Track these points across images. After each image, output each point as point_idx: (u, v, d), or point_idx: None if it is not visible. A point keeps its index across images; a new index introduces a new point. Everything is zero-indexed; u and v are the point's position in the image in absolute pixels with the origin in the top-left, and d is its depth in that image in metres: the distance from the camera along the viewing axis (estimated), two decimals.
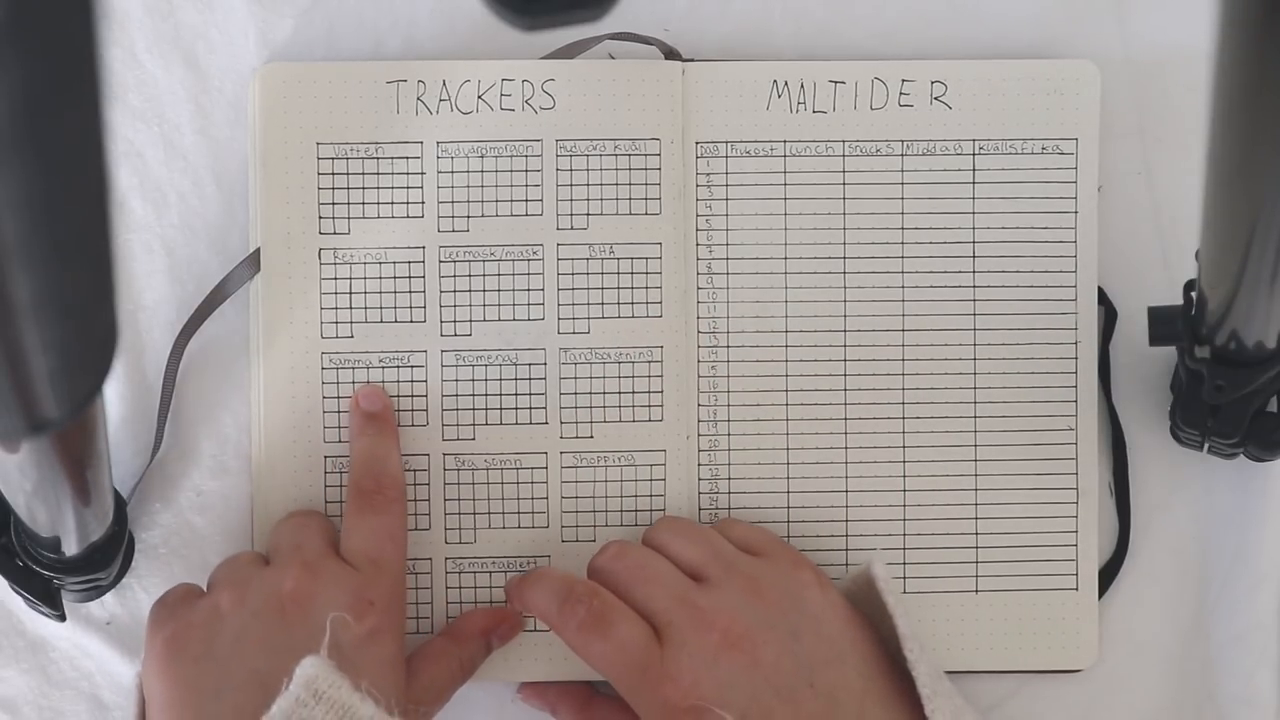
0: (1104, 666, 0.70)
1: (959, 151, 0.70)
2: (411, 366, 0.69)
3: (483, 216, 0.69)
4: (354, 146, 0.69)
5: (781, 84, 0.70)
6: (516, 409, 0.69)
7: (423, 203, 0.69)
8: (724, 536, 0.66)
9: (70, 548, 0.63)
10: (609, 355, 0.69)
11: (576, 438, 0.69)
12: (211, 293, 0.69)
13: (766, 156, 0.70)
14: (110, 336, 0.43)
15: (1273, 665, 0.70)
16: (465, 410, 0.69)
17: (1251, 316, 0.59)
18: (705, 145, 0.70)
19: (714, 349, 0.70)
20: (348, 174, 0.69)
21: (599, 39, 0.69)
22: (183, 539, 0.69)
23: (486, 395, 0.69)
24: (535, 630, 0.69)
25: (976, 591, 0.70)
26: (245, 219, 0.69)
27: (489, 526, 0.69)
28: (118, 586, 0.68)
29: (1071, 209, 0.70)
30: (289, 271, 0.69)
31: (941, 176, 0.70)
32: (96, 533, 0.63)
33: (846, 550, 0.70)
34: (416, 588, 0.69)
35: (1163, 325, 0.66)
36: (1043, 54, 0.71)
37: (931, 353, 0.70)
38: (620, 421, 0.69)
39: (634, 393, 0.69)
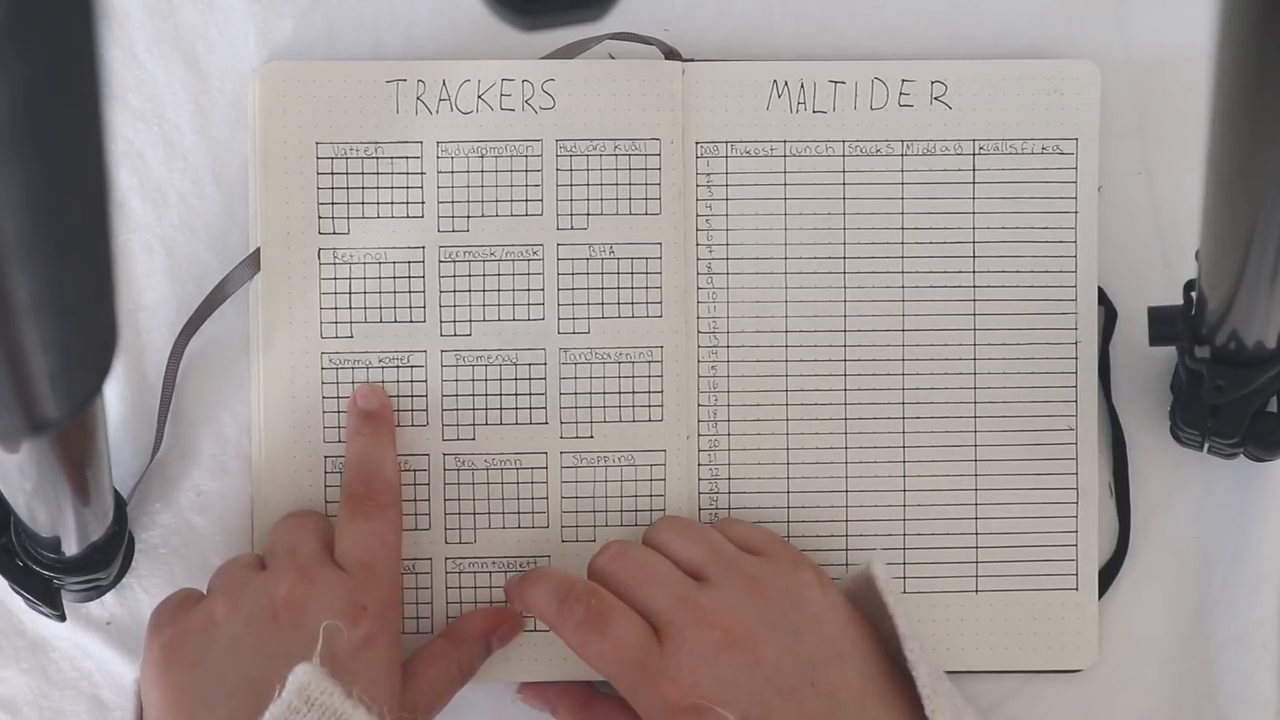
0: (1104, 666, 0.70)
1: (959, 151, 0.70)
2: (411, 366, 0.69)
3: (483, 216, 0.69)
4: (354, 146, 0.69)
5: (781, 84, 0.70)
6: (516, 409, 0.69)
7: (423, 203, 0.69)
8: (724, 536, 0.66)
9: (70, 548, 0.63)
10: (609, 355, 0.69)
11: (576, 438, 0.69)
12: (211, 293, 0.69)
13: (766, 156, 0.70)
14: (110, 336, 0.43)
15: (1273, 665, 0.70)
16: (465, 410, 0.69)
17: (1251, 316, 0.59)
18: (705, 145, 0.70)
19: (714, 349, 0.70)
20: (347, 174, 0.69)
21: (599, 39, 0.69)
22: (183, 539, 0.69)
23: (486, 395, 0.69)
24: (535, 630, 0.69)
25: (976, 591, 0.70)
26: (245, 219, 0.69)
27: (489, 526, 0.69)
28: (118, 586, 0.68)
29: (1071, 209, 0.70)
30: (289, 271, 0.69)
31: (941, 176, 0.70)
32: (96, 533, 0.63)
33: (846, 550, 0.70)
34: (416, 588, 0.69)
35: (1163, 325, 0.66)
36: (1043, 54, 0.71)
37: (931, 353, 0.70)
38: (620, 421, 0.69)
39: (634, 393, 0.69)
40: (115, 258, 0.41)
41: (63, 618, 0.68)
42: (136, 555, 0.69)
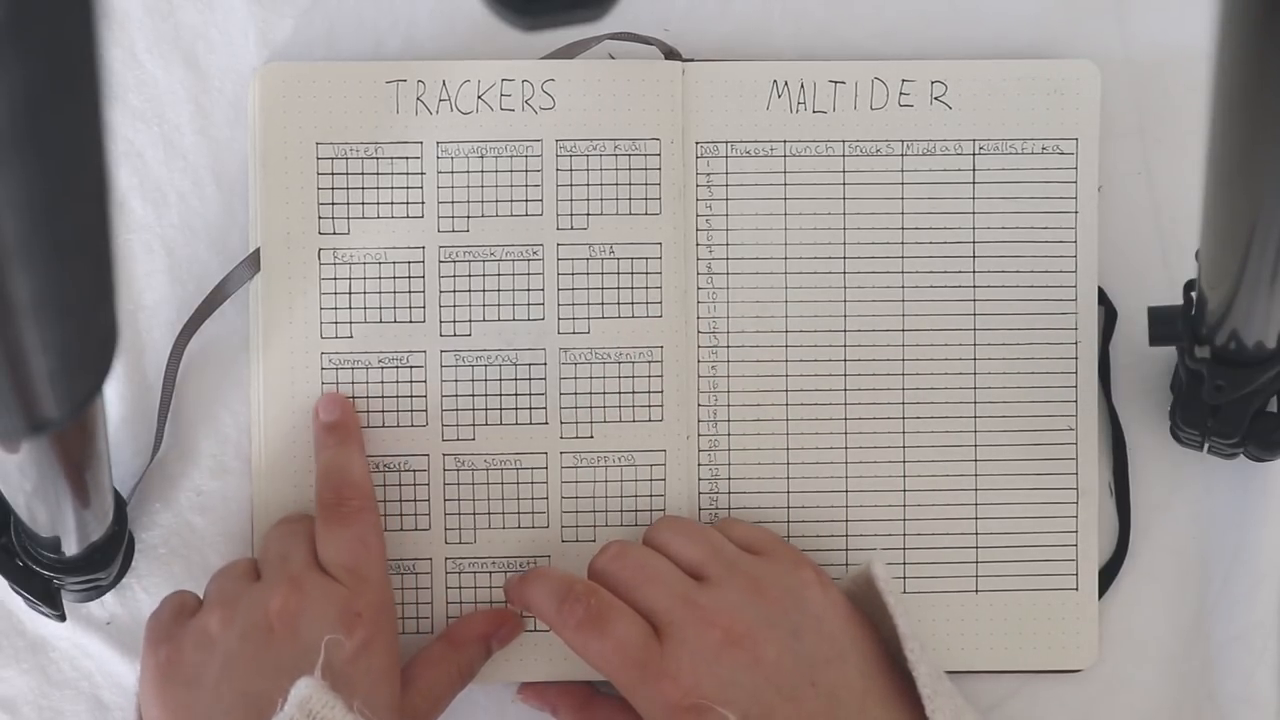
0: (1104, 666, 0.70)
1: (959, 151, 0.70)
2: (411, 367, 0.69)
3: (483, 216, 0.69)
4: (354, 146, 0.69)
5: (781, 84, 0.70)
6: (516, 409, 0.69)
7: (423, 203, 0.69)
8: (724, 536, 0.66)
9: (70, 548, 0.63)
10: (609, 355, 0.69)
11: (576, 438, 0.69)
12: (211, 293, 0.69)
13: (766, 156, 0.70)
14: (110, 336, 0.43)
15: (1273, 665, 0.70)
16: (465, 410, 0.69)
17: (1251, 316, 0.59)
18: (705, 145, 0.70)
19: (714, 349, 0.70)
20: (347, 174, 0.69)
21: (599, 39, 0.69)
22: (183, 539, 0.69)
23: (486, 395, 0.69)
24: (535, 630, 0.69)
25: (976, 591, 0.70)
26: (245, 219, 0.69)
27: (489, 526, 0.69)
28: (118, 586, 0.68)
29: (1071, 209, 0.70)
30: (289, 271, 0.69)
31: (941, 176, 0.70)
32: (96, 533, 0.63)
33: (846, 550, 0.70)
34: (417, 588, 0.69)
35: (1163, 325, 0.66)
36: (1043, 54, 0.71)
37: (931, 353, 0.70)
38: (620, 421, 0.69)
39: (634, 393, 0.69)
40: (115, 258, 0.41)
41: (63, 618, 0.68)
42: (136, 555, 0.69)
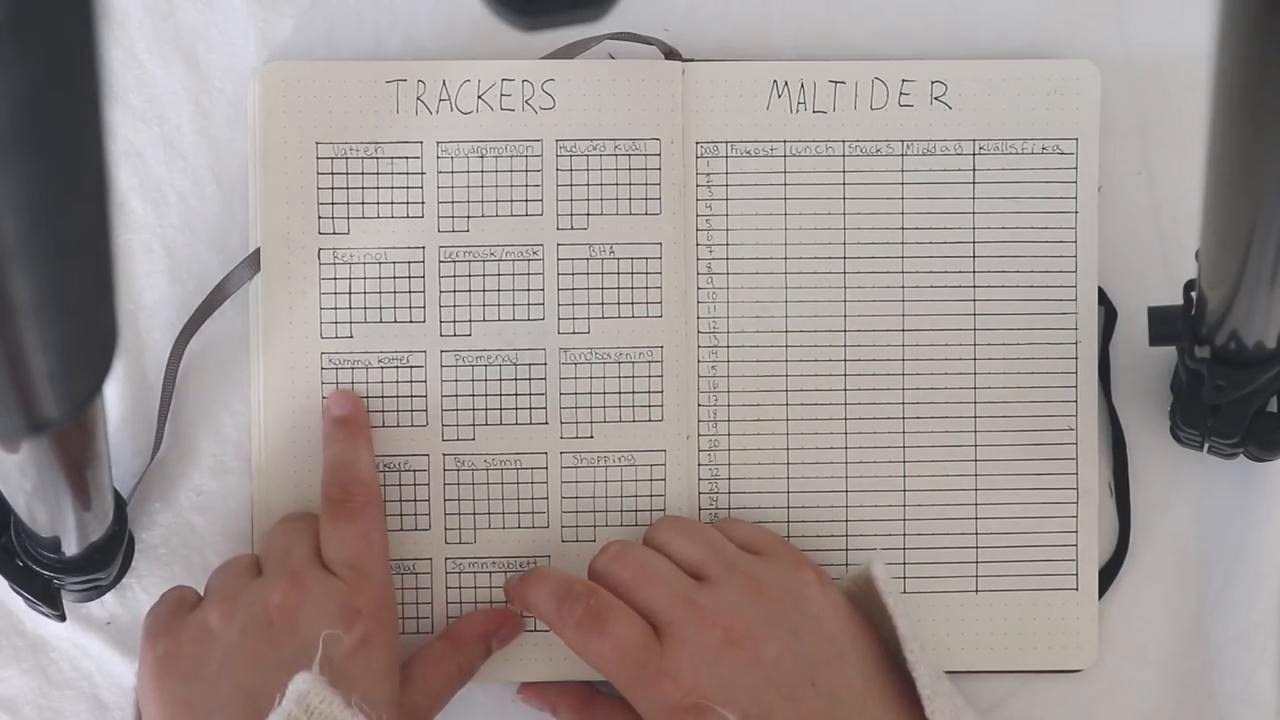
0: (1104, 666, 0.70)
1: (959, 151, 0.70)
2: (411, 366, 0.69)
3: (483, 216, 0.69)
4: (354, 146, 0.69)
5: (781, 84, 0.70)
6: (516, 409, 0.69)
7: (423, 203, 0.69)
8: (725, 536, 0.66)
9: (70, 548, 0.63)
10: (609, 355, 0.69)
11: (576, 438, 0.69)
12: (211, 293, 0.69)
13: (766, 156, 0.70)
14: (110, 336, 0.43)
15: (1273, 665, 0.70)
16: (465, 410, 0.69)
17: (1251, 316, 0.59)
18: (705, 145, 0.70)
19: (714, 349, 0.70)
20: (347, 174, 0.69)
21: (599, 39, 0.69)
22: (183, 539, 0.69)
23: (486, 395, 0.69)
24: (535, 630, 0.69)
25: (976, 591, 0.70)
26: (245, 219, 0.69)
27: (489, 526, 0.69)
28: (118, 586, 0.68)
29: (1071, 209, 0.70)
30: (289, 271, 0.69)
31: (941, 176, 0.70)
32: (96, 533, 0.63)
33: (846, 550, 0.70)
34: (417, 588, 0.69)
35: (1163, 325, 0.66)
36: (1043, 54, 0.71)
37: (931, 353, 0.70)
38: (620, 421, 0.69)
39: (634, 393, 0.69)
40: (115, 258, 0.41)
41: (63, 618, 0.68)
42: (136, 555, 0.69)
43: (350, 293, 0.69)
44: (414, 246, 0.69)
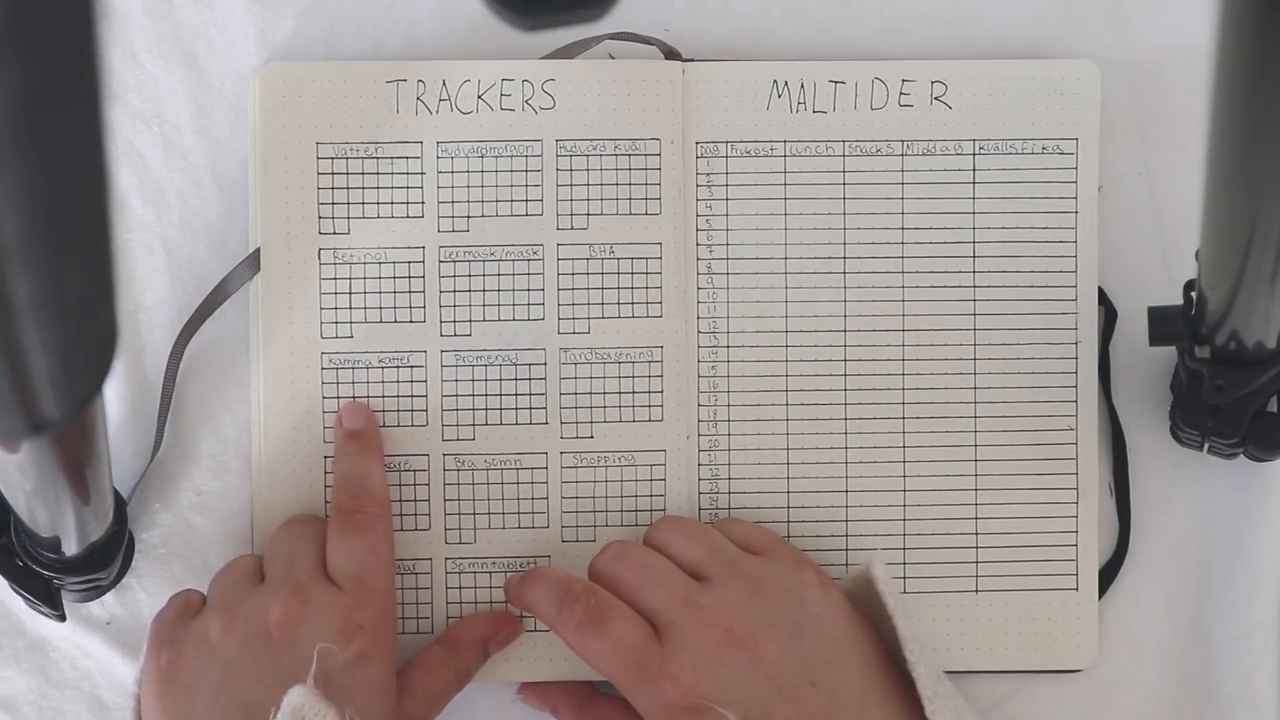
0: (1104, 666, 0.70)
1: (959, 151, 0.70)
2: (411, 366, 0.69)
3: (483, 216, 0.69)
4: (354, 146, 0.69)
5: (781, 84, 0.70)
6: (516, 409, 0.69)
7: (423, 203, 0.69)
8: (725, 536, 0.66)
9: (70, 548, 0.63)
10: (609, 355, 0.69)
11: (576, 438, 0.69)
12: (211, 293, 0.69)
13: (766, 156, 0.70)
14: (110, 336, 0.43)
15: (1273, 665, 0.70)
16: (465, 410, 0.69)
17: (1251, 316, 0.59)
18: (705, 145, 0.70)
19: (714, 349, 0.70)
20: (347, 174, 0.69)
21: (599, 39, 0.69)
22: (183, 539, 0.69)
23: (486, 395, 0.69)
24: (535, 630, 0.69)
25: (976, 591, 0.70)
26: (245, 219, 0.69)
27: (489, 526, 0.69)
28: (118, 586, 0.68)
29: (1071, 209, 0.70)
30: (289, 271, 0.69)
31: (941, 176, 0.70)
32: (96, 533, 0.63)
33: (846, 550, 0.70)
34: (417, 588, 0.69)
35: (1163, 325, 0.66)
36: (1043, 54, 0.71)
37: (931, 353, 0.70)
38: (620, 421, 0.69)
39: (634, 393, 0.69)
40: (115, 258, 0.41)
41: (63, 618, 0.68)
42: (136, 555, 0.69)
43: (350, 293, 0.69)
44: (414, 246, 0.69)
